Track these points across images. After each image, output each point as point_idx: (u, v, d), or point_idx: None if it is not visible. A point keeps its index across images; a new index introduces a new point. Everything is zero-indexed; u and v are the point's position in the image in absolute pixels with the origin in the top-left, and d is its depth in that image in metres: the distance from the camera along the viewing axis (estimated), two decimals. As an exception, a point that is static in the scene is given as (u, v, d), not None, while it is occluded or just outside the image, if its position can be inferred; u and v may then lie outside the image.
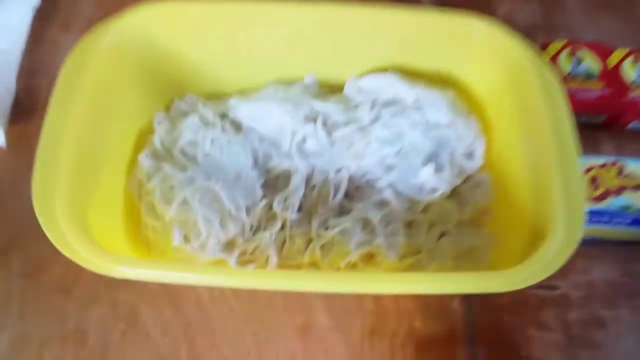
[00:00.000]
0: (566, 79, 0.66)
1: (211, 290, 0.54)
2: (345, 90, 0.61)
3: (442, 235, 0.54)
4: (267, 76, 0.63)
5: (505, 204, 0.54)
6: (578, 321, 0.55)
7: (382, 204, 0.53)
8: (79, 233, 0.44)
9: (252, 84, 0.63)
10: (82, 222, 0.47)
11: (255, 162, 0.57)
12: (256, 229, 0.54)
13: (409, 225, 0.54)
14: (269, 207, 0.54)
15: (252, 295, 0.54)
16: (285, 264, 0.53)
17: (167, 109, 0.63)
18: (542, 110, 0.50)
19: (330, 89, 0.63)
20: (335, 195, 0.54)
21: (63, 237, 0.43)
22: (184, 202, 0.53)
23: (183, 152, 0.56)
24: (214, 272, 0.43)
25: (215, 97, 0.64)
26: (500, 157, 0.56)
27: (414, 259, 0.52)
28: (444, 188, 0.53)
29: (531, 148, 0.52)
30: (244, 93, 0.63)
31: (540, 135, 0.50)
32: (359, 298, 0.53)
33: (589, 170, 0.59)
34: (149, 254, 0.54)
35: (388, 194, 0.52)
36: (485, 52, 0.57)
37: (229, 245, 0.53)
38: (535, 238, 0.48)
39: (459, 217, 0.54)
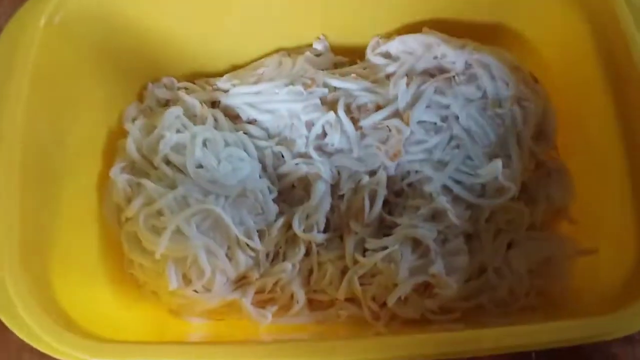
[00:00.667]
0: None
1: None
2: (369, 55, 0.47)
3: (510, 244, 0.42)
4: (265, 45, 0.49)
5: (593, 198, 0.42)
6: None
7: (436, 215, 0.41)
8: (36, 303, 0.33)
9: (247, 57, 0.49)
10: (40, 277, 0.36)
11: (264, 167, 0.44)
12: (274, 257, 0.42)
13: (469, 237, 0.42)
14: (288, 227, 0.42)
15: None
16: (314, 299, 0.42)
17: (141, 97, 0.49)
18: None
19: (349, 56, 0.49)
20: (371, 206, 0.42)
21: (12, 309, 0.33)
22: (178, 232, 0.40)
23: (168, 162, 0.43)
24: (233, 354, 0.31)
25: (200, 77, 0.50)
26: (580, 135, 0.43)
27: (480, 281, 0.41)
28: (514, 188, 0.41)
29: (626, 118, 0.39)
30: (236, 70, 0.49)
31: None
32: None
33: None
34: (140, 297, 0.43)
35: (442, 202, 0.40)
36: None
37: (241, 282, 0.41)
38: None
39: (530, 220, 0.42)
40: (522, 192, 0.43)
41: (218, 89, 0.48)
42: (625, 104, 0.39)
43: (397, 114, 0.42)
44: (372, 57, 0.47)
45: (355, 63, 0.48)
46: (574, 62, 0.43)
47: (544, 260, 0.42)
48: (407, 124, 0.41)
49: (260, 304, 0.41)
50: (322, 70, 0.47)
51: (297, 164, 0.43)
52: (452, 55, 0.43)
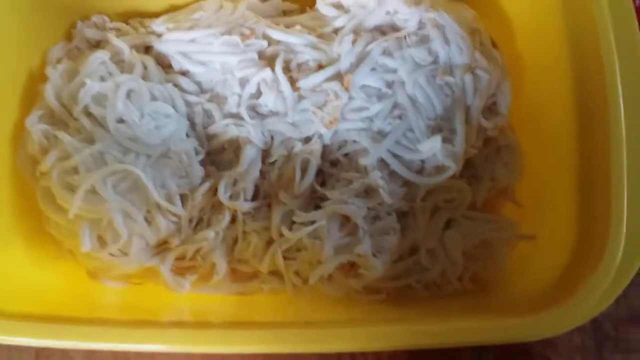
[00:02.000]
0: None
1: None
2: (319, 5, 0.42)
3: (447, 224, 0.40)
4: (206, -15, 0.44)
5: (539, 180, 0.39)
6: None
7: (369, 191, 0.38)
8: None
9: (186, -3, 0.44)
10: None
11: (192, 126, 0.41)
12: (198, 223, 0.40)
13: (404, 214, 0.39)
14: (214, 192, 0.40)
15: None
16: (237, 269, 0.40)
17: (69, 37, 0.45)
18: (606, 42, 0.33)
19: (298, 3, 0.44)
20: (303, 176, 0.39)
21: None
22: (93, 192, 0.38)
23: (88, 113, 0.40)
24: (130, 337, 0.30)
25: (135, 17, 0.45)
26: (534, 112, 0.40)
27: (410, 261, 0.39)
28: (454, 167, 0.38)
29: (585, 98, 0.35)
30: (175, 12, 0.44)
31: (601, 81, 0.33)
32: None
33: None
34: (59, 256, 0.41)
35: (376, 178, 0.37)
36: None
37: (161, 248, 0.39)
38: (583, 233, 0.35)
39: (472, 199, 0.40)
40: (467, 168, 0.40)
41: (152, 32, 0.43)
42: (584, 87, 0.35)
43: (339, 76, 0.39)
44: (322, 6, 0.42)
45: (306, 11, 0.44)
46: (536, 28, 0.39)
47: (482, 243, 0.39)
48: (347, 88, 0.37)
49: (181, 272, 0.39)
50: (268, 17, 0.43)
51: (227, 125, 0.40)
52: (405, 11, 0.39)
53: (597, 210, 0.33)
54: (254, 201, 0.40)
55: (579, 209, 0.35)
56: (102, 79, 0.40)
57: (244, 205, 0.39)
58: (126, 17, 0.45)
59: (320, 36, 0.41)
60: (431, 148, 0.37)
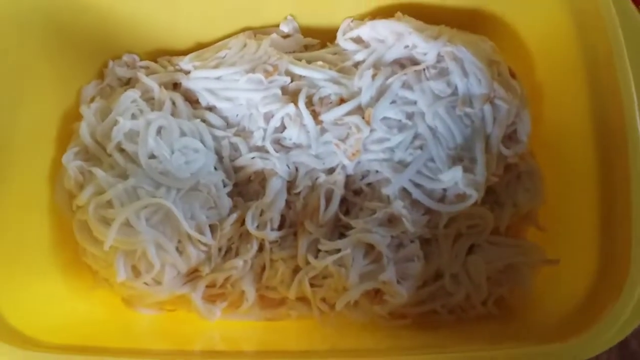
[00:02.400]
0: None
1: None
2: (339, 39, 0.44)
3: (471, 249, 0.40)
4: (231, 24, 0.46)
5: (560, 205, 0.40)
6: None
7: (392, 220, 0.39)
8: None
9: (213, 35, 0.46)
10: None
11: (220, 159, 0.43)
12: (227, 252, 0.41)
13: (427, 241, 0.40)
14: (241, 222, 0.41)
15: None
16: (266, 296, 0.41)
17: (101, 75, 0.47)
18: (623, 70, 0.34)
19: (320, 37, 0.46)
20: (327, 205, 0.40)
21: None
22: (127, 224, 0.39)
23: (120, 149, 0.42)
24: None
25: (163, 55, 0.47)
26: (554, 138, 0.41)
27: (435, 287, 0.39)
28: (476, 195, 0.39)
29: (604, 126, 0.36)
30: (201, 50, 0.46)
31: (619, 108, 0.34)
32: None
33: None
34: (96, 285, 0.42)
35: (398, 208, 0.38)
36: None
37: (192, 276, 0.41)
38: (605, 256, 0.35)
39: (495, 225, 0.40)
40: (489, 194, 0.40)
41: (180, 70, 0.45)
42: (602, 112, 0.36)
43: (360, 109, 0.40)
44: (342, 41, 0.44)
45: (326, 46, 0.46)
46: (555, 58, 0.40)
47: (506, 267, 0.40)
48: (368, 122, 0.39)
49: (211, 299, 0.41)
50: (290, 53, 0.45)
51: (252, 157, 0.41)
52: (423, 46, 0.40)
53: (619, 233, 0.34)
54: (280, 230, 0.41)
55: (601, 232, 0.35)
56: (134, 116, 0.42)
57: (270, 235, 0.40)
58: (155, 55, 0.47)
59: (341, 70, 0.42)
60: (452, 177, 0.38)
